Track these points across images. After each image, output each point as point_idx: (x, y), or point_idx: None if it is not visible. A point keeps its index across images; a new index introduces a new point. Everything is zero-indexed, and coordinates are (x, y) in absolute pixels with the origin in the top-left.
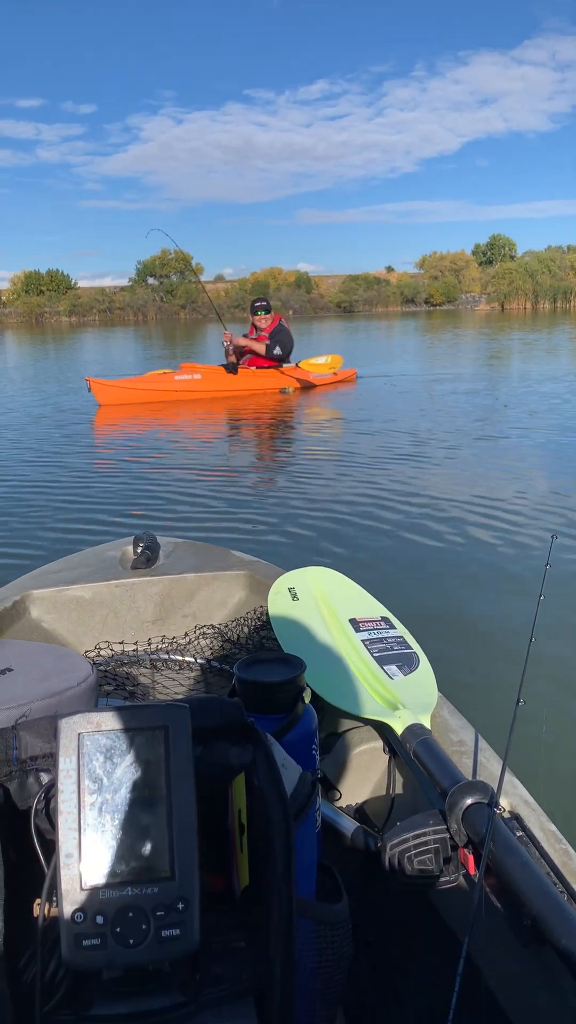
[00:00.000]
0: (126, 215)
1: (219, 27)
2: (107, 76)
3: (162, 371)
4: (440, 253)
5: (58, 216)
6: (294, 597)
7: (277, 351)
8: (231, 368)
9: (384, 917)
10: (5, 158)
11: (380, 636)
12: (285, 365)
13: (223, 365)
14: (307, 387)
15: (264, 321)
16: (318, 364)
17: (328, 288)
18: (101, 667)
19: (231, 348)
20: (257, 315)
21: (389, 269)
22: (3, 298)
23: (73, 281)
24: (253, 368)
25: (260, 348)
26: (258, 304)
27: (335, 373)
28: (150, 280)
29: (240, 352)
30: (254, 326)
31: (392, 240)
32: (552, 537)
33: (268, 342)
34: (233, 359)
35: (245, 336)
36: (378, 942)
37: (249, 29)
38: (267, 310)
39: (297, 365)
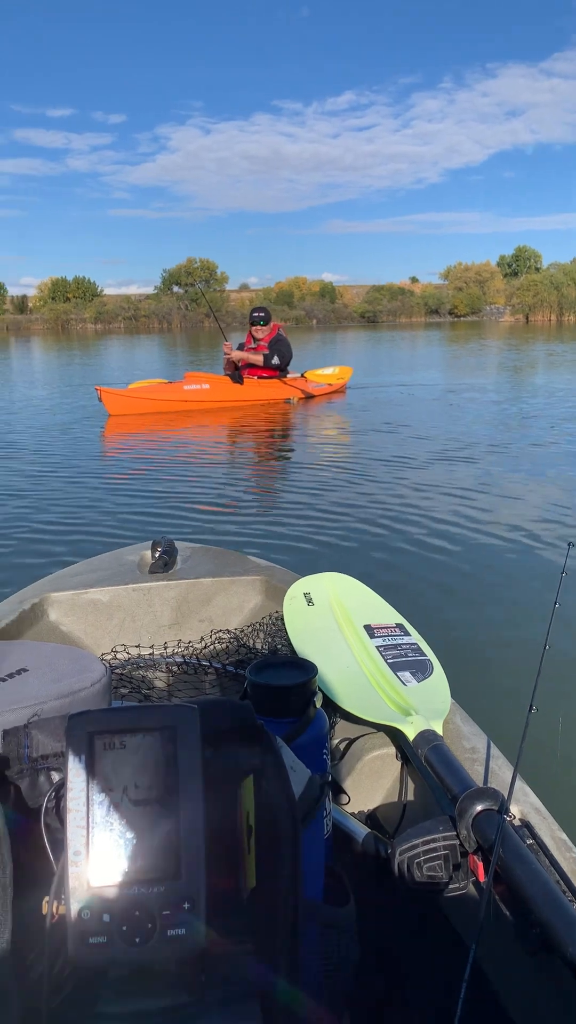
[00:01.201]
0: (153, 224)
1: (247, 38)
2: (136, 86)
3: (160, 380)
4: (465, 264)
5: (86, 224)
6: (309, 602)
7: (275, 360)
8: (237, 378)
9: (393, 922)
10: (36, 167)
11: (394, 642)
12: (289, 376)
13: (229, 375)
14: (308, 397)
15: (261, 332)
16: (324, 375)
17: (352, 298)
18: (117, 670)
19: (227, 361)
20: (256, 326)
21: (413, 280)
22: (30, 305)
23: (99, 288)
24: (255, 378)
25: (258, 359)
26: (256, 315)
27: (330, 384)
28: (175, 288)
29: (235, 364)
30: (251, 336)
31: (417, 251)
32: (568, 545)
33: (267, 351)
34: (229, 369)
35: (241, 346)
36: (386, 947)
37: (277, 40)
38: (265, 321)
39: (303, 375)
